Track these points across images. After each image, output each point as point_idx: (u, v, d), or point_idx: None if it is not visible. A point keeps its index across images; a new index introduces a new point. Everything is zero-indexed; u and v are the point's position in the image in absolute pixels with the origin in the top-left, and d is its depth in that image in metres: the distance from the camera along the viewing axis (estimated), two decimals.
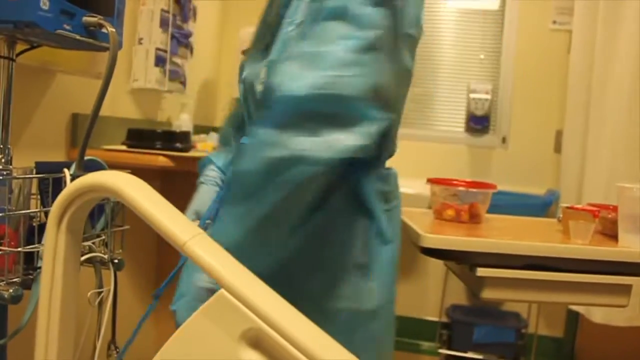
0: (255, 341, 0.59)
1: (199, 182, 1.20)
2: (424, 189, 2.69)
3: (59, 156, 1.95)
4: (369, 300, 0.98)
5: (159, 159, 2.00)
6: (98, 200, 0.70)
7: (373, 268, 0.98)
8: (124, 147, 2.11)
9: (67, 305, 0.67)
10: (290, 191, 0.84)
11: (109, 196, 0.65)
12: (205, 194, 1.16)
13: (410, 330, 3.05)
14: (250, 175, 0.86)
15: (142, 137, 2.11)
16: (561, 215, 1.52)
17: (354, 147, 0.84)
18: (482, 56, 3.18)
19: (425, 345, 3.06)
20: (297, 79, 0.84)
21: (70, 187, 0.65)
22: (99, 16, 1.21)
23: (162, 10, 2.34)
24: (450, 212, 1.45)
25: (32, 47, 1.34)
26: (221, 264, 0.60)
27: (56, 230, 0.66)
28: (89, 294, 1.25)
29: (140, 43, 2.32)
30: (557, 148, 3.03)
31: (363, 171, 0.97)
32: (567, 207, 1.43)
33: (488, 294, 1.23)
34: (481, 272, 1.20)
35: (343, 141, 0.83)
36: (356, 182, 0.96)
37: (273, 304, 0.59)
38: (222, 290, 0.59)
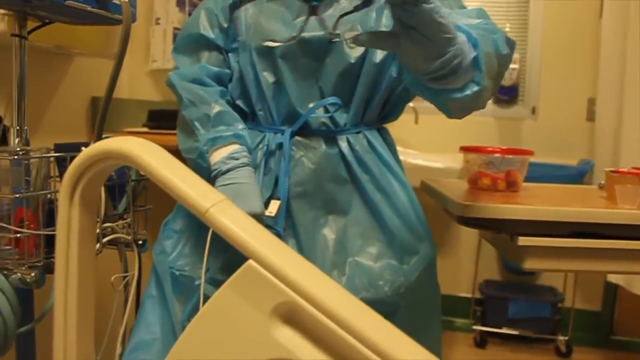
0: (289, 316, 0.53)
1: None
2: (453, 163, 2.63)
3: (79, 140, 1.92)
4: None
5: None
6: (113, 169, 0.65)
7: None
8: (145, 129, 2.07)
9: (84, 280, 0.62)
10: None
11: (123, 163, 0.59)
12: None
13: (444, 307, 2.96)
14: None
15: (162, 118, 2.07)
16: (603, 182, 1.44)
17: None
18: (507, 26, 3.06)
19: (459, 322, 3.00)
20: None
21: (82, 154, 0.59)
22: None
23: None
24: (486, 181, 1.37)
25: (44, 24, 1.29)
26: (248, 232, 0.54)
27: (69, 202, 0.60)
28: (113, 278, 1.21)
29: (158, 23, 2.27)
30: (590, 117, 2.92)
31: None
32: (612, 171, 1.35)
33: (530, 264, 1.15)
34: (523, 241, 1.12)
35: None
36: None
37: (308, 275, 0.53)
38: (250, 261, 0.54)
